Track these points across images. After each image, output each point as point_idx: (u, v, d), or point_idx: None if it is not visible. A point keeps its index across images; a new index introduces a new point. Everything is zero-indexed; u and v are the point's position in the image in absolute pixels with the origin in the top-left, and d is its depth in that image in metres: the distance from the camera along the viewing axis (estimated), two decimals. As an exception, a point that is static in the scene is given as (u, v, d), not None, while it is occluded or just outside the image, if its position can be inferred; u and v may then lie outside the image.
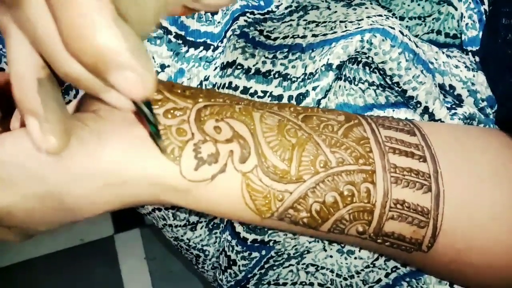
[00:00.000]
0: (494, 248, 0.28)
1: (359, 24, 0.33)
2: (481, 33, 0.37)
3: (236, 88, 0.34)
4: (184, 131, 0.25)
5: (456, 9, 0.37)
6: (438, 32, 0.39)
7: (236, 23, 0.35)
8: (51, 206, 0.24)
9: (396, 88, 0.34)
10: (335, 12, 0.35)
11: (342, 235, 0.27)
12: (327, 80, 0.32)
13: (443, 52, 0.37)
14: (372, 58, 0.33)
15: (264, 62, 0.35)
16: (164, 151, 0.25)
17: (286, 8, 0.36)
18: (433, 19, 0.39)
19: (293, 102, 0.33)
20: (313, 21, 0.36)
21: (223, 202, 0.26)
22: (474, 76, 0.36)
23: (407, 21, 0.39)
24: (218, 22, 0.34)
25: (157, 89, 0.27)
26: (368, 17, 0.34)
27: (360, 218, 0.27)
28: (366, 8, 0.35)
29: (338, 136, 0.28)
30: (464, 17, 0.37)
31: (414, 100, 0.34)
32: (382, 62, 0.33)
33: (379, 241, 0.28)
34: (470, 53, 0.37)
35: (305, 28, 0.35)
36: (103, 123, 0.25)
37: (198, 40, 0.34)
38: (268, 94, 0.33)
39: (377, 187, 0.27)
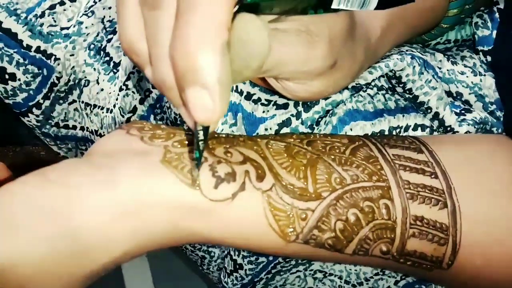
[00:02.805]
0: None
1: None
2: (494, 32, 0.36)
3: (241, 93, 0.33)
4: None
5: None
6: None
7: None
8: (63, 251, 0.22)
9: (407, 96, 0.34)
10: None
11: (366, 257, 0.27)
12: (341, 97, 0.32)
13: (447, 60, 0.37)
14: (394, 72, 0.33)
15: None
16: (194, 183, 0.24)
17: None
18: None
19: (300, 108, 0.33)
20: None
21: (245, 224, 0.25)
22: (481, 80, 0.36)
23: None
24: None
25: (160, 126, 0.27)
26: None
27: (383, 237, 0.26)
28: None
29: (346, 156, 0.27)
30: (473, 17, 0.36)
31: (425, 106, 0.34)
32: (401, 70, 0.33)
33: (401, 260, 0.27)
34: (481, 53, 0.37)
35: None
36: (115, 158, 0.24)
37: None
38: (272, 103, 0.33)
39: (395, 203, 0.26)
